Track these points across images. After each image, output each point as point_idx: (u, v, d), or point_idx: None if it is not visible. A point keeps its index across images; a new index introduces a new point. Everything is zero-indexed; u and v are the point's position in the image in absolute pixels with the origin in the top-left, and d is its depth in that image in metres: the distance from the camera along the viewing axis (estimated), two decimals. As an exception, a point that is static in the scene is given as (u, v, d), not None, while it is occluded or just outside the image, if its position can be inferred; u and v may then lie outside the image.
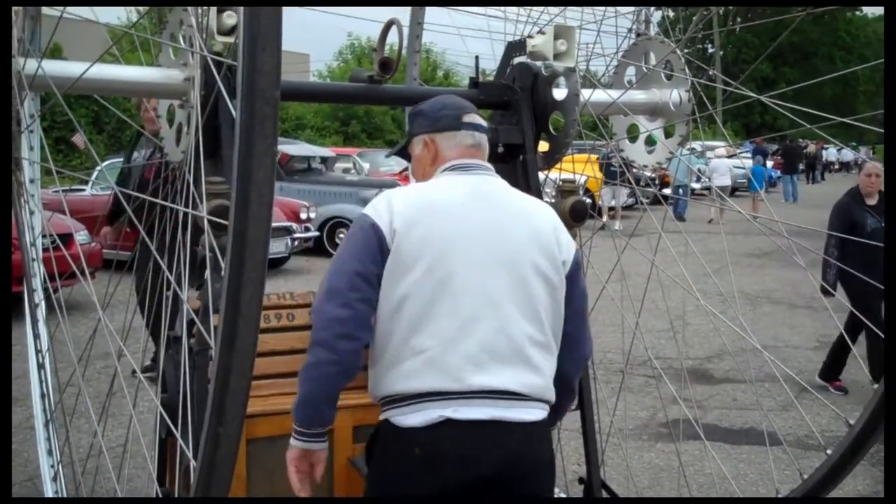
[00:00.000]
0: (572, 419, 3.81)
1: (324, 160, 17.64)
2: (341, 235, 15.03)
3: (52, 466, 4.02)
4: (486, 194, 2.68)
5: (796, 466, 3.76)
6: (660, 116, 3.96)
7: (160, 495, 2.86)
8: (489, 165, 2.78)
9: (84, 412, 5.40)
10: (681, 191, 17.14)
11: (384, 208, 2.57)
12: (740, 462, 5.65)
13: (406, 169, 18.79)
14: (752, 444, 5.94)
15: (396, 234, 2.52)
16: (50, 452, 4.06)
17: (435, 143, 2.75)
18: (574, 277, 2.71)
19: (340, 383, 2.56)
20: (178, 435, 2.45)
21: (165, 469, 3.25)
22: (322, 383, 2.56)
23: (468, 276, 2.53)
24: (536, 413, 2.59)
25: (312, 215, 14.38)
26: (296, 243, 13.69)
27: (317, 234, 14.62)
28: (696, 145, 6.29)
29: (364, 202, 15.15)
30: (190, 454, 2.27)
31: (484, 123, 2.82)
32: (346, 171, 19.26)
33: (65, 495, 3.92)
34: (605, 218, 16.22)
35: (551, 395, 2.65)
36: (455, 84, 32.28)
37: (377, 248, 2.52)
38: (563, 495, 4.53)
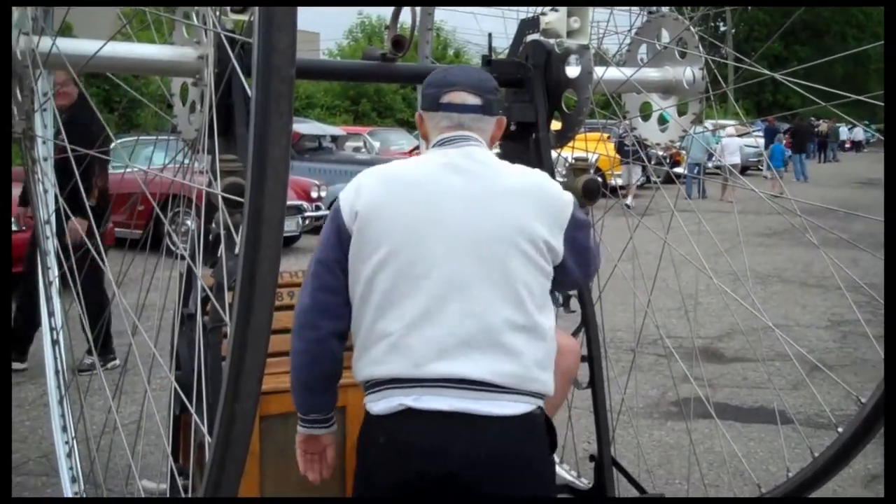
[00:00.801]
0: (583, 396, 3.82)
1: (334, 139, 17.65)
2: (352, 214, 15.07)
3: (67, 443, 4.06)
4: (461, 167, 2.50)
5: (807, 444, 3.76)
6: (673, 94, 3.95)
7: (175, 470, 2.88)
8: (475, 137, 2.57)
9: (97, 389, 5.45)
10: (696, 169, 17.09)
11: (353, 190, 2.49)
12: (751, 440, 5.65)
13: (417, 147, 18.83)
14: (763, 423, 5.95)
15: (358, 216, 2.43)
16: (64, 429, 4.09)
17: (424, 120, 2.66)
18: (573, 239, 2.54)
19: (316, 371, 2.53)
20: (192, 411, 2.47)
21: (179, 446, 3.28)
22: (297, 371, 2.55)
23: (435, 258, 2.39)
24: (516, 406, 2.39)
25: (323, 194, 14.39)
26: (307, 222, 13.71)
27: (327, 212, 14.62)
28: (709, 123, 6.26)
29: (375, 181, 15.23)
30: (205, 430, 2.29)
31: (472, 101, 2.58)
32: (356, 149, 19.27)
33: (79, 470, 3.96)
34: (629, 198, 16.19)
35: (540, 385, 2.44)
36: (466, 62, 32.18)
37: (336, 232, 2.47)
38: (573, 473, 4.56)
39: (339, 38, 44.51)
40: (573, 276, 2.62)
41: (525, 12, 3.86)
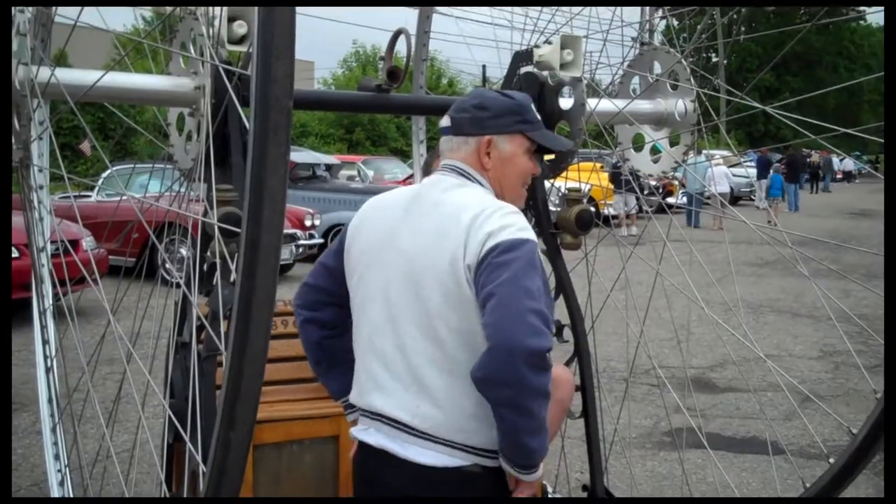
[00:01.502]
0: (576, 426, 3.83)
1: (328, 167, 17.70)
2: (345, 243, 15.08)
3: (59, 471, 4.04)
4: (419, 197, 2.49)
5: (799, 475, 3.77)
6: (665, 126, 3.99)
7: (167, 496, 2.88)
8: (450, 163, 2.52)
9: (90, 417, 5.43)
10: (693, 199, 17.16)
11: (361, 208, 2.67)
12: (743, 471, 5.66)
13: (410, 176, 18.88)
14: (755, 453, 5.95)
15: (349, 235, 2.60)
16: (57, 457, 4.08)
17: None
18: (487, 266, 2.24)
19: (313, 353, 2.76)
20: (187, 439, 2.47)
21: (172, 474, 3.27)
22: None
23: (378, 288, 2.41)
24: (437, 457, 2.29)
25: (317, 222, 14.42)
26: (300, 250, 13.73)
27: (321, 241, 14.65)
28: (705, 154, 6.31)
29: (368, 209, 15.29)
30: (199, 458, 2.29)
31: (443, 123, 2.59)
32: (350, 178, 19.35)
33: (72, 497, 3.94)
34: (633, 227, 16.19)
35: (469, 437, 2.29)
36: (459, 93, 32.34)
37: (339, 243, 2.64)
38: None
39: (333, 67, 44.73)
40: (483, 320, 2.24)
41: (519, 45, 3.90)
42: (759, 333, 9.72)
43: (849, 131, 3.33)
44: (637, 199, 20.86)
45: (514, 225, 2.32)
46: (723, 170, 22.71)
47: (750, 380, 7.54)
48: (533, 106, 2.59)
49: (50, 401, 4.13)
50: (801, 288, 12.47)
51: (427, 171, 3.81)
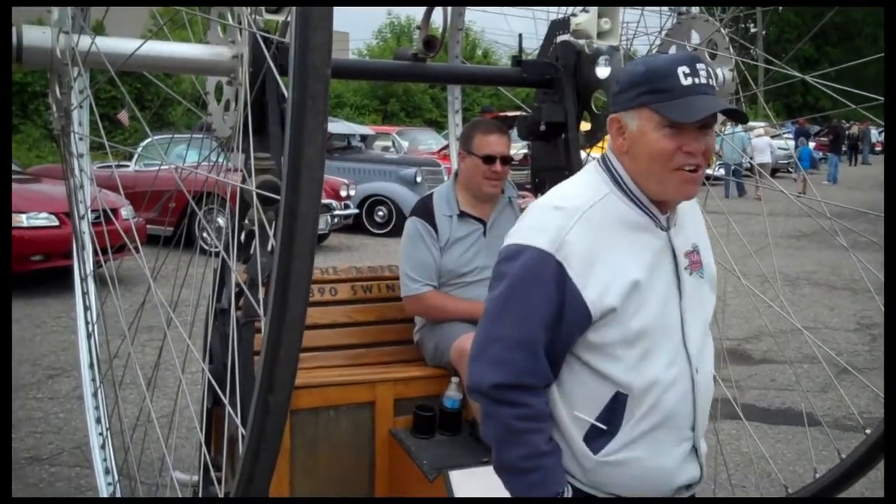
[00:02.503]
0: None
1: (363, 138, 17.71)
2: (380, 213, 15.09)
3: (101, 434, 4.12)
4: None
5: (835, 446, 3.76)
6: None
7: (209, 462, 2.93)
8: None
9: (129, 383, 5.53)
10: (731, 169, 17.02)
11: None
12: (778, 442, 5.64)
13: (445, 147, 18.81)
14: (791, 425, 5.93)
15: None
16: (98, 421, 4.16)
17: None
18: None
19: None
20: (226, 401, 2.51)
21: (211, 439, 3.33)
22: None
23: None
24: None
25: (352, 193, 14.45)
26: (335, 220, 13.78)
27: (356, 211, 14.70)
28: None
29: (402, 180, 15.28)
30: (238, 421, 2.33)
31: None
32: (385, 149, 19.35)
33: (112, 462, 4.02)
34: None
35: None
36: (495, 63, 32.18)
37: None
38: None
39: (368, 38, 44.65)
40: None
41: (556, 13, 3.88)
42: (796, 306, 9.65)
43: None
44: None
45: (524, 227, 2.14)
46: (766, 140, 22.51)
47: (786, 351, 7.50)
48: (682, 70, 2.06)
49: (91, 366, 4.20)
50: (838, 260, 12.35)
51: (466, 142, 3.80)
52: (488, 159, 3.67)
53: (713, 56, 3.93)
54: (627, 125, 2.13)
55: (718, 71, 3.91)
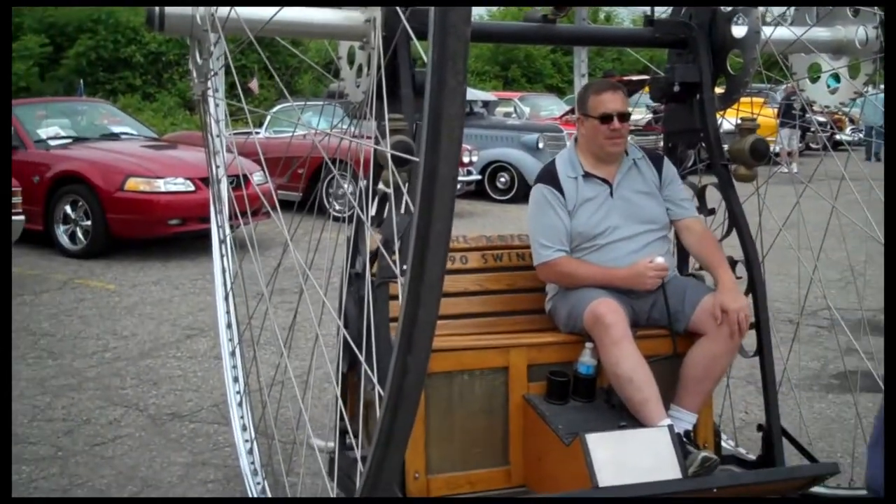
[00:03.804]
0: (738, 367, 3.73)
1: (485, 104, 17.65)
2: (502, 179, 15.04)
3: (238, 392, 4.26)
4: None
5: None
6: (844, 54, 3.79)
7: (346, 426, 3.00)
8: None
9: (264, 344, 5.69)
10: (874, 132, 16.35)
11: None
12: (918, 416, 5.43)
13: (567, 112, 18.56)
14: (931, 398, 5.69)
15: None
16: (236, 380, 4.30)
17: None
18: None
19: None
20: (362, 360, 2.56)
21: (346, 404, 3.39)
22: None
23: None
24: None
25: (475, 159, 14.45)
26: (459, 187, 13.81)
27: (478, 177, 14.70)
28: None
29: (524, 146, 15.19)
30: (375, 379, 2.37)
31: None
32: (507, 115, 19.24)
33: (249, 419, 4.16)
34: (794, 165, 15.62)
35: None
36: (617, 24, 31.60)
37: None
38: (731, 443, 4.48)
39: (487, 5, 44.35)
40: None
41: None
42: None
43: None
44: (803, 135, 19.86)
45: None
46: None
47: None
48: None
49: (229, 326, 4.34)
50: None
51: (581, 105, 3.75)
52: (605, 118, 3.61)
53: (856, 13, 3.76)
54: None
55: (861, 29, 3.74)
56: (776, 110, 14.98)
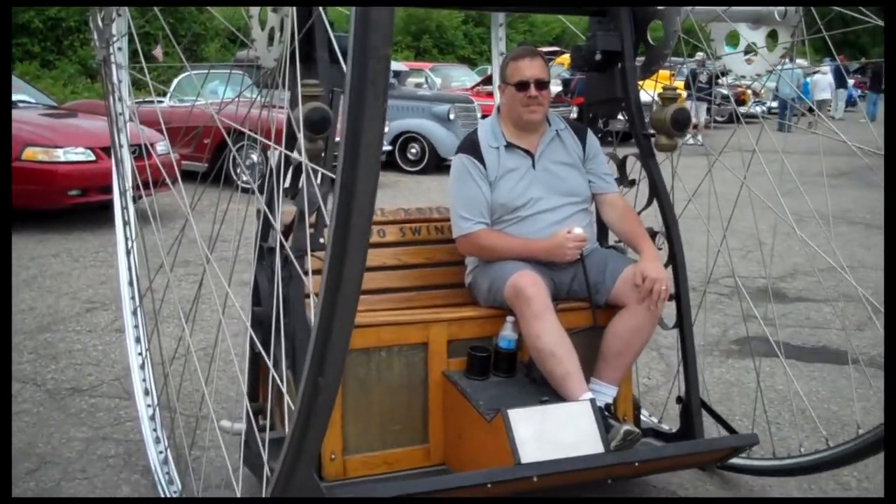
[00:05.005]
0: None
1: (396, 74, 17.48)
2: (413, 150, 14.94)
3: (140, 354, 4.12)
4: None
5: (870, 384, 3.69)
6: (763, 24, 3.79)
7: (250, 409, 2.91)
8: None
9: (168, 317, 5.54)
10: (790, 105, 16.76)
11: None
12: (812, 380, 5.58)
13: (480, 83, 18.50)
14: (825, 363, 5.88)
15: None
16: (138, 340, 4.15)
17: None
18: None
19: None
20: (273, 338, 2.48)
21: (257, 385, 3.29)
22: None
23: None
24: None
25: (386, 129, 14.30)
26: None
27: (389, 148, 14.58)
28: (801, 62, 6.04)
29: (436, 117, 15.08)
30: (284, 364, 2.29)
31: None
32: (417, 85, 19.11)
33: (152, 383, 4.04)
34: (697, 137, 15.84)
35: None
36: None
37: None
38: (648, 415, 4.50)
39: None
40: None
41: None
42: (832, 244, 9.51)
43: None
44: (708, 109, 20.21)
45: None
46: (828, 79, 22.29)
47: (821, 290, 7.41)
48: None
49: (130, 283, 4.20)
50: (875, 200, 12.15)
51: (502, 74, 3.71)
52: (521, 85, 3.58)
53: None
54: None
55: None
56: (683, 82, 15.23)
